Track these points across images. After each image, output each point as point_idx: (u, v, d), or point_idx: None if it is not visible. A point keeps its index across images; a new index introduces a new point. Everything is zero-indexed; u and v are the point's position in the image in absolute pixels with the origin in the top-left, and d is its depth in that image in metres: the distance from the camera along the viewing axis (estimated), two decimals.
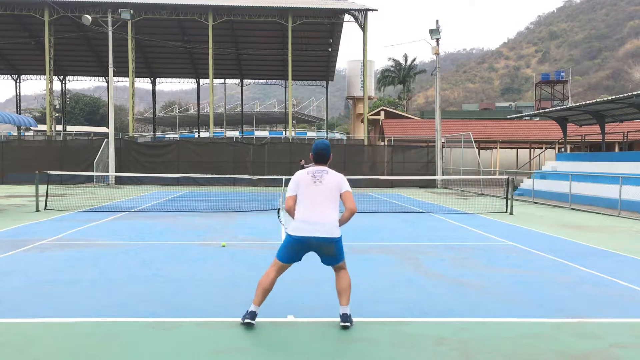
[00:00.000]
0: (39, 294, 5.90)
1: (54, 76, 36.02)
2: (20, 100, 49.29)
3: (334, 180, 4.86)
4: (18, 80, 48.33)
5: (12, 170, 27.89)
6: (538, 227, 12.40)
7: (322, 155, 4.98)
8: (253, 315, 4.79)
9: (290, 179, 5.12)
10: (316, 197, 4.79)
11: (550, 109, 25.56)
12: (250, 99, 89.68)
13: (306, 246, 4.80)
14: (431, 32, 27.61)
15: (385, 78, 61.15)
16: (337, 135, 57.04)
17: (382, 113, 44.85)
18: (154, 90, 51.67)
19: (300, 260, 4.95)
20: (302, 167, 19.82)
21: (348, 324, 4.77)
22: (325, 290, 6.23)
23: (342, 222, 4.89)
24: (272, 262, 5.01)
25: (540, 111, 27.54)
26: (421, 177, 26.84)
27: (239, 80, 51.56)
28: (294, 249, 4.83)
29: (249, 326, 4.77)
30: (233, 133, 55.04)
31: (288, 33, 33.55)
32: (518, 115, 36.56)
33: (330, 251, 4.81)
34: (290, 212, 4.92)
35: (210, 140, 31.97)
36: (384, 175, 27.86)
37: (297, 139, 39.65)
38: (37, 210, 14.40)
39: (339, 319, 4.90)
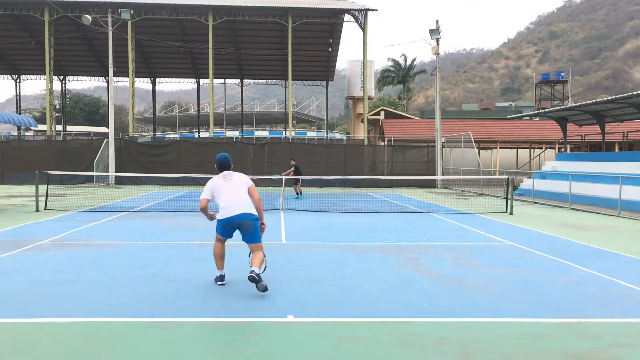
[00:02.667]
0: (39, 294, 5.91)
1: (54, 76, 36.01)
2: (20, 100, 49.29)
3: (240, 178, 6.41)
4: (18, 80, 48.33)
5: (12, 170, 27.87)
6: (538, 227, 12.40)
7: (225, 165, 6.54)
8: (223, 277, 6.43)
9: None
10: (230, 190, 6.24)
11: (550, 109, 25.56)
12: (250, 99, 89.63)
13: (232, 225, 6.19)
14: (431, 32, 27.60)
15: (385, 78, 61.11)
16: (337, 135, 57.01)
17: (382, 113, 44.85)
18: (154, 90, 51.68)
19: (231, 237, 6.40)
20: (295, 167, 19.85)
21: (256, 275, 5.78)
22: (326, 290, 6.23)
23: (259, 211, 6.27)
24: (215, 237, 6.47)
25: (540, 111, 27.54)
26: (421, 177, 26.83)
27: (239, 80, 51.56)
28: (226, 229, 6.27)
29: (222, 286, 6.28)
30: (233, 133, 55.01)
31: (288, 33, 33.54)
32: (518, 115, 36.56)
33: (249, 227, 6.12)
34: (205, 211, 6.34)
35: (210, 140, 31.97)
36: (384, 175, 27.84)
37: (297, 139, 39.65)
38: (37, 210, 14.40)
39: (339, 319, 4.91)
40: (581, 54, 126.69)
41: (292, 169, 19.82)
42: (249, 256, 6.33)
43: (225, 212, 6.18)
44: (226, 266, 6.58)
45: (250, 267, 5.96)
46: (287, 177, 19.15)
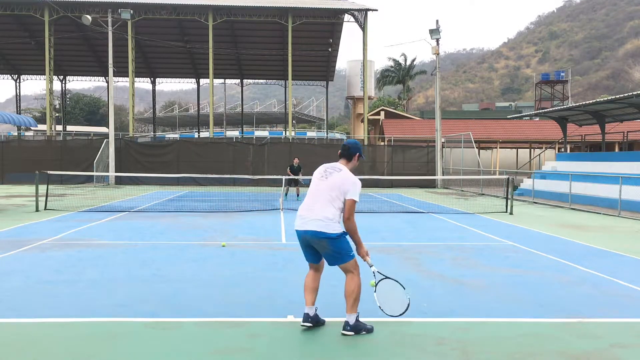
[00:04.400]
0: (39, 294, 5.91)
1: (54, 76, 36.00)
2: (20, 100, 49.29)
3: (339, 179, 4.63)
4: (18, 80, 48.33)
5: (12, 170, 27.89)
6: (538, 227, 12.40)
7: (344, 150, 4.85)
8: (307, 317, 4.74)
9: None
10: (316, 192, 4.70)
11: (550, 109, 25.56)
12: (250, 99, 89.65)
13: (304, 241, 4.75)
14: (431, 32, 27.60)
15: (385, 78, 61.10)
16: (337, 135, 57.02)
17: (382, 113, 44.83)
18: (154, 90, 51.69)
19: (316, 262, 4.80)
20: (296, 166, 19.60)
21: (347, 332, 4.62)
22: (326, 290, 6.22)
23: (352, 234, 4.71)
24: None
25: (540, 111, 27.54)
26: (421, 177, 26.83)
27: (239, 80, 51.57)
28: (302, 246, 4.79)
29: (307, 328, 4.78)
30: (233, 133, 55.01)
31: (288, 33, 33.54)
32: (518, 115, 36.57)
33: (324, 248, 4.63)
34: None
35: (210, 140, 31.98)
36: (384, 175, 27.86)
37: (297, 139, 39.66)
38: (37, 210, 14.40)
39: (339, 319, 4.90)
40: (581, 54, 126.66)
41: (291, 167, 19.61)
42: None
43: (297, 222, 4.77)
44: (226, 266, 6.55)
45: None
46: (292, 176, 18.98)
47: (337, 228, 4.58)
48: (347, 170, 4.74)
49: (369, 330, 4.69)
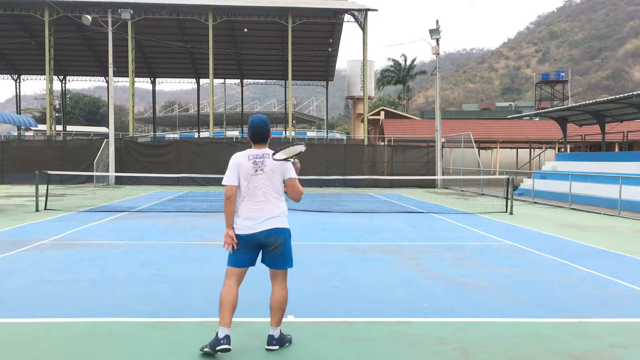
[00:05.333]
0: (39, 294, 5.90)
1: (54, 76, 36.00)
2: (20, 100, 49.27)
3: (276, 166, 4.24)
4: (18, 80, 48.31)
5: (12, 170, 27.88)
6: (538, 227, 12.40)
7: (260, 134, 4.34)
8: (228, 339, 4.13)
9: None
10: (258, 188, 4.21)
11: (550, 109, 25.56)
12: (250, 99, 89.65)
13: (256, 243, 4.22)
14: (431, 32, 27.59)
15: (385, 78, 61.12)
16: (337, 135, 57.00)
17: (382, 113, 44.82)
18: (154, 90, 51.67)
19: (253, 264, 4.30)
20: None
21: (272, 347, 4.25)
22: (326, 290, 6.23)
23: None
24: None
25: (540, 111, 27.54)
26: (421, 177, 26.82)
27: (239, 80, 51.55)
28: (246, 248, 4.23)
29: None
30: (233, 133, 55.02)
31: (288, 33, 33.53)
32: (518, 115, 36.57)
33: (278, 247, 4.21)
34: (229, 209, 4.21)
35: (210, 140, 31.96)
36: (384, 175, 27.84)
37: (297, 139, 39.62)
38: (37, 210, 14.40)
39: (338, 319, 4.90)
40: (581, 54, 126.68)
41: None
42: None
43: (243, 225, 4.22)
44: (225, 265, 6.51)
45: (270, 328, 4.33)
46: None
47: (287, 222, 4.34)
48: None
49: (290, 341, 4.40)
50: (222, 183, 4.23)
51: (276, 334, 4.30)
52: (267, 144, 4.42)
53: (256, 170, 4.22)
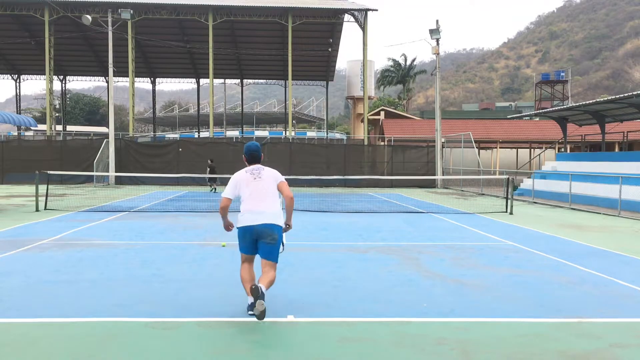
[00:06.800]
0: (39, 294, 5.90)
1: (54, 76, 36.00)
2: (20, 100, 49.29)
3: (269, 174, 5.41)
4: (18, 80, 48.33)
5: (12, 170, 27.89)
6: (538, 227, 12.40)
7: (255, 156, 5.57)
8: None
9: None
10: (258, 191, 5.26)
11: (550, 109, 25.55)
12: (250, 99, 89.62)
13: (252, 234, 5.19)
14: (431, 32, 27.59)
15: (385, 78, 61.12)
16: (337, 135, 56.98)
17: (382, 113, 44.83)
18: (154, 90, 51.69)
19: (254, 253, 5.29)
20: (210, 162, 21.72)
21: (258, 287, 4.85)
22: (326, 290, 6.23)
23: (288, 210, 5.42)
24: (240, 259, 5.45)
25: (540, 111, 27.54)
26: (421, 177, 26.82)
27: (239, 80, 51.58)
28: (245, 239, 5.25)
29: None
30: (233, 133, 55.00)
31: (288, 33, 33.54)
32: (518, 115, 36.56)
33: (270, 240, 5.14)
34: (224, 213, 5.41)
35: (210, 140, 31.97)
36: (384, 175, 27.84)
37: (297, 139, 39.65)
38: (37, 210, 14.40)
39: (338, 319, 4.89)
40: (581, 54, 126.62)
41: None
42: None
43: (246, 218, 5.21)
44: (226, 266, 6.56)
45: (256, 282, 5.08)
46: None
47: (281, 221, 5.29)
48: (265, 166, 5.53)
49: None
50: (221, 195, 5.41)
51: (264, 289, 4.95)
52: (260, 162, 5.59)
53: (255, 178, 5.33)
